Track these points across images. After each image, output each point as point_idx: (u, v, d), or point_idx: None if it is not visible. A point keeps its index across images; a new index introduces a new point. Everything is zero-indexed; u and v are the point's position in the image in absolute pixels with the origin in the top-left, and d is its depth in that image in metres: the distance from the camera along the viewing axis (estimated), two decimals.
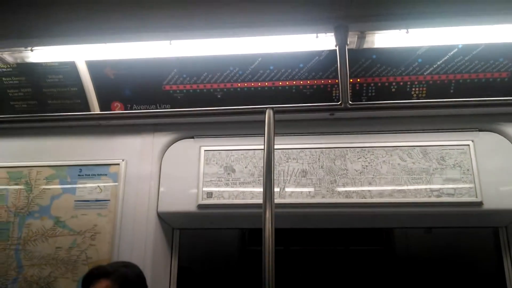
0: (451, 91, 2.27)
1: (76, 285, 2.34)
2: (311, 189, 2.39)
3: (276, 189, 2.38)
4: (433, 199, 2.29)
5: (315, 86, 2.31)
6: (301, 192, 2.39)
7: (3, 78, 2.39)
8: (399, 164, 2.37)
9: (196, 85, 2.35)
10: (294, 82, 2.31)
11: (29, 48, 2.08)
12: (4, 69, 2.36)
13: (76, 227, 2.44)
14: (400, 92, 2.29)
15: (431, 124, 2.43)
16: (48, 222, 2.46)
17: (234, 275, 4.94)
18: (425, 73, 2.24)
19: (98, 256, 2.38)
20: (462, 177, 2.31)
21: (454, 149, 2.37)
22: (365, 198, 2.33)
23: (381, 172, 2.37)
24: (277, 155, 2.43)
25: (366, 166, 2.39)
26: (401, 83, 2.27)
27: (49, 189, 2.53)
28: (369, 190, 2.35)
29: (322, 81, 2.30)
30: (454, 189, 2.30)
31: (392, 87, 2.28)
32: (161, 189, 2.49)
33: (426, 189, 2.31)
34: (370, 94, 2.30)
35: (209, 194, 2.43)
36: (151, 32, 1.90)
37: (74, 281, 2.35)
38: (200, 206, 2.41)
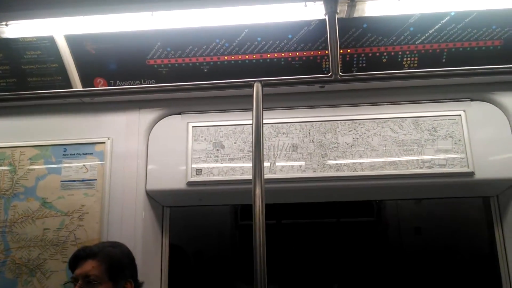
0: (443, 60, 2.21)
1: (66, 266, 2.30)
2: (302, 163, 2.36)
3: (267, 164, 2.35)
4: (425, 170, 2.27)
5: (304, 58, 2.24)
6: (292, 166, 2.35)
7: None
8: (390, 136, 2.34)
9: (181, 59, 2.27)
10: (283, 54, 2.24)
11: (4, 23, 1.98)
12: None
13: (63, 208, 2.39)
14: (391, 62, 2.23)
15: (423, 94, 2.38)
16: (34, 203, 2.41)
17: (227, 250, 4.97)
18: (416, 42, 2.18)
19: (87, 236, 2.34)
20: (454, 148, 2.29)
21: (445, 120, 2.34)
22: (356, 171, 2.31)
23: (372, 144, 2.34)
24: (266, 129, 2.38)
25: (357, 138, 2.35)
26: (393, 53, 2.22)
27: (33, 169, 2.46)
28: (360, 163, 2.32)
29: (312, 53, 2.23)
30: (446, 159, 2.28)
31: (383, 57, 2.22)
32: (149, 167, 2.44)
33: (417, 160, 2.29)
34: (361, 65, 2.24)
35: (198, 171, 2.39)
36: (131, 4, 1.81)
37: (64, 262, 2.31)
38: (189, 184, 2.36)
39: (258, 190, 1.57)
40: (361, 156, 2.32)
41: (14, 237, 2.38)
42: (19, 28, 2.09)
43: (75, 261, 1.82)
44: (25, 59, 2.29)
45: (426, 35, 2.16)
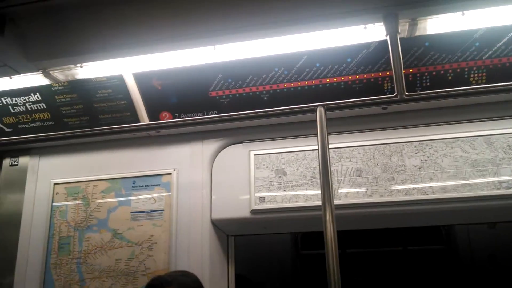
0: None
1: None
2: (367, 188, 2.29)
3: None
4: (503, 192, 2.13)
5: (365, 81, 2.22)
6: (357, 192, 2.29)
7: (56, 97, 2.46)
8: (461, 156, 2.23)
9: (242, 89, 2.32)
10: (343, 78, 2.23)
11: (79, 65, 2.13)
12: (57, 88, 2.43)
13: (133, 239, 2.47)
14: (457, 79, 2.15)
15: (494, 111, 2.26)
16: (106, 235, 2.51)
17: (289, 280, 4.87)
18: (483, 57, 2.09)
19: (156, 266, 2.39)
20: None
21: None
22: (427, 194, 2.20)
23: (442, 166, 2.23)
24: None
25: (426, 160, 2.26)
26: (458, 70, 2.14)
27: (105, 202, 2.58)
28: (430, 186, 2.21)
29: (372, 75, 2.20)
30: None
31: (448, 75, 2.15)
32: (213, 196, 2.47)
33: (493, 181, 2.15)
34: (424, 84, 2.18)
35: (262, 199, 2.39)
36: (194, 39, 1.89)
37: None
38: (253, 212, 2.37)
39: (328, 216, 1.54)
40: (431, 179, 2.22)
41: (88, 268, 2.48)
42: (91, 69, 2.23)
43: None
44: (96, 98, 2.45)
45: (494, 49, 2.07)
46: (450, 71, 2.14)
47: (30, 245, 2.58)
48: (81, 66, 2.14)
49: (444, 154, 2.24)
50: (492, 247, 4.64)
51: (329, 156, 1.65)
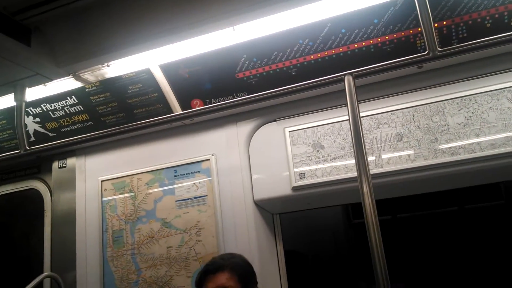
0: None
1: (191, 281, 2.43)
2: (410, 153, 2.20)
3: (371, 159, 2.23)
4: None
5: (395, 40, 2.10)
6: (399, 157, 2.21)
7: (91, 98, 2.53)
8: (509, 108, 2.08)
9: (268, 67, 2.27)
10: (371, 41, 2.13)
11: (106, 64, 2.16)
12: (90, 89, 2.49)
13: (181, 226, 2.53)
14: (497, 26, 1.98)
15: None
16: (155, 224, 2.59)
17: (344, 250, 4.85)
18: None
19: (206, 250, 2.45)
20: None
21: None
22: (475, 152, 2.08)
23: (488, 120, 2.09)
24: (366, 122, 2.28)
25: (470, 116, 2.13)
26: (497, 15, 1.97)
27: (151, 193, 2.65)
28: (478, 143, 2.09)
29: (403, 33, 2.08)
30: None
31: (486, 22, 1.99)
32: (254, 177, 2.48)
33: None
34: (461, 35, 2.03)
35: (302, 175, 2.36)
36: (211, 23, 1.86)
37: (189, 277, 2.45)
38: (294, 188, 2.35)
39: (365, 188, 1.49)
40: (477, 135, 2.10)
41: (143, 257, 2.58)
42: (119, 67, 2.27)
43: (205, 275, 1.87)
44: (128, 94, 2.49)
45: None
46: (487, 17, 1.98)
47: (87, 241, 2.71)
48: (108, 65, 2.18)
49: (490, 107, 2.10)
50: None
51: (361, 126, 1.58)
